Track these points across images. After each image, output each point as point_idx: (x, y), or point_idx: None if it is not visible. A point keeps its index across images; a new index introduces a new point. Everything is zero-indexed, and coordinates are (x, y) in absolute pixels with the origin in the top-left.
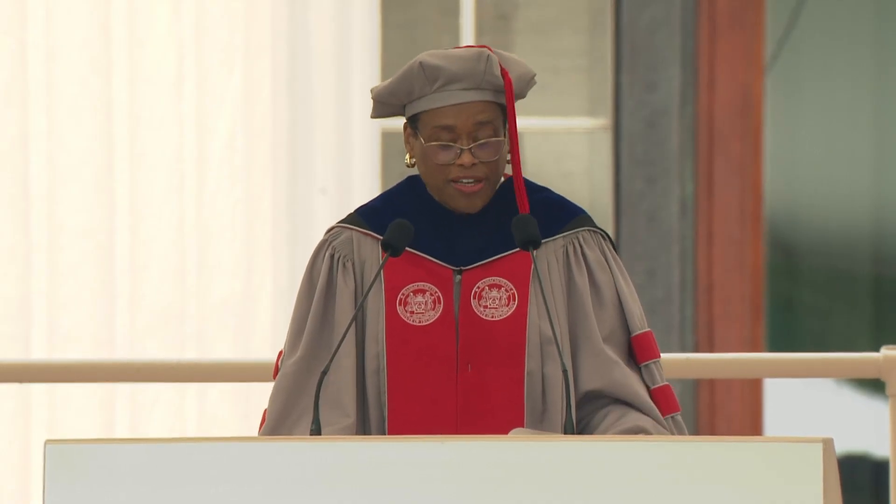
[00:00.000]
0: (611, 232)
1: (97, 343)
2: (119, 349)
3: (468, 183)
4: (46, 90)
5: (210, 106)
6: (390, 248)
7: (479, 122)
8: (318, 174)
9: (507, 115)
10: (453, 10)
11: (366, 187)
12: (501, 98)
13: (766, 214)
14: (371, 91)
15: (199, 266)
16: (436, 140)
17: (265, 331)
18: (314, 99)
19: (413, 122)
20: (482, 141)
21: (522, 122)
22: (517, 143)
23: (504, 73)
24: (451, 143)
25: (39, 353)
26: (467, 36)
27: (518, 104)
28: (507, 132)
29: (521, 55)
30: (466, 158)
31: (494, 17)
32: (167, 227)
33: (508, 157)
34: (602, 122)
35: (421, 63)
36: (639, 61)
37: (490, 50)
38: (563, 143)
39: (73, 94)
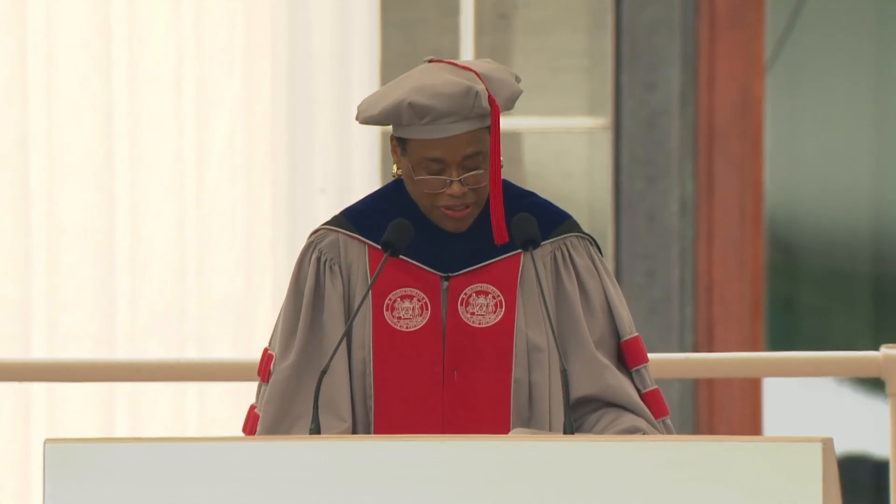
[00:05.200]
0: (610, 232)
1: (97, 343)
2: (119, 349)
3: (458, 209)
4: (46, 90)
5: (210, 106)
6: (390, 248)
7: (467, 154)
8: (317, 174)
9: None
10: (453, 10)
11: (365, 187)
12: (488, 121)
13: (766, 214)
14: (357, 111)
15: (199, 266)
16: (424, 170)
17: (265, 331)
18: (314, 99)
19: (400, 142)
20: (472, 173)
21: (522, 122)
22: (499, 171)
23: (492, 100)
24: (439, 174)
25: (39, 352)
26: (467, 36)
27: (518, 104)
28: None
29: (521, 55)
30: (456, 189)
31: (494, 16)
32: (167, 227)
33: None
34: (602, 122)
35: (410, 104)
36: (639, 61)
37: (477, 75)
38: (563, 142)
39: (73, 94)
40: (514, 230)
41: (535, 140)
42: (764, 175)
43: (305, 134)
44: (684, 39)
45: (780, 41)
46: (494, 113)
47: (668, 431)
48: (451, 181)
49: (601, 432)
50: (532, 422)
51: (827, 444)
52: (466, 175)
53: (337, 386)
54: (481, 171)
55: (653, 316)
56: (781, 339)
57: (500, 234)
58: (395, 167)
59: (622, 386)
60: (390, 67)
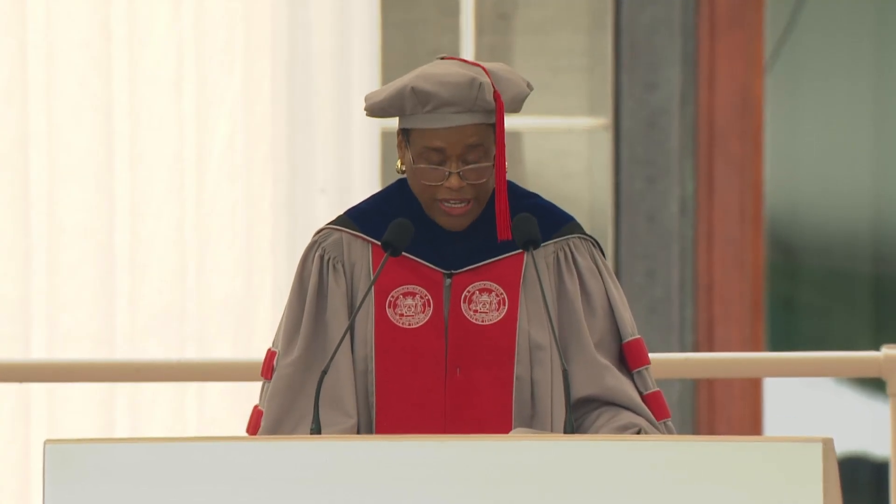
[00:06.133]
0: (610, 232)
1: (97, 343)
2: (119, 349)
3: (455, 205)
4: (46, 90)
5: (210, 106)
6: (390, 248)
7: (469, 145)
8: (317, 174)
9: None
10: (453, 10)
11: (366, 187)
12: (493, 117)
13: (766, 214)
14: (365, 101)
15: (199, 266)
16: (425, 160)
17: (265, 331)
18: (314, 99)
19: (405, 133)
20: (471, 166)
21: (522, 122)
22: (503, 167)
23: (497, 96)
24: (439, 165)
25: (39, 352)
26: (467, 36)
27: None
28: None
29: (521, 55)
30: (455, 182)
31: (494, 17)
32: (167, 227)
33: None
34: (602, 121)
35: (413, 88)
36: (639, 61)
37: (485, 70)
38: (563, 142)
39: (73, 94)
40: (514, 230)
41: (535, 140)
42: (764, 175)
43: (305, 134)
44: (684, 39)
45: (780, 41)
46: (499, 108)
47: (669, 433)
48: (450, 173)
49: (599, 430)
50: (534, 419)
51: (827, 444)
52: (466, 168)
53: (341, 382)
54: (481, 166)
55: (653, 316)
56: (781, 339)
57: (503, 229)
58: (398, 162)
59: (622, 386)
60: (390, 67)
